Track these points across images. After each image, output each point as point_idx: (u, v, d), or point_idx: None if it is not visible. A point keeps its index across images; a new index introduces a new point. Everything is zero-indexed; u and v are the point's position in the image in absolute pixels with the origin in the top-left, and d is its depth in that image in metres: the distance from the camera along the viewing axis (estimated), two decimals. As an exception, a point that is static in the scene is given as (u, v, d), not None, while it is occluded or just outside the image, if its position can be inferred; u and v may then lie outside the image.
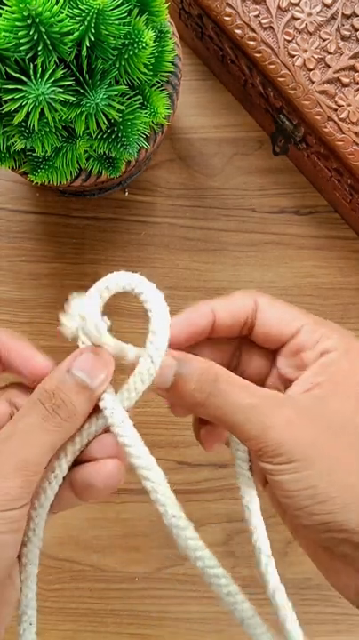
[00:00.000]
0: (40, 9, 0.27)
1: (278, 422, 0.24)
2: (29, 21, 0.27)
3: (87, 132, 0.34)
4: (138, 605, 0.50)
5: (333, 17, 0.41)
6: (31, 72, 0.30)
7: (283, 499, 0.24)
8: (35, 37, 0.28)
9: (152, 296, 0.27)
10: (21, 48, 0.29)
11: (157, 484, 0.26)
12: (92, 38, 0.29)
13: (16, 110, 0.30)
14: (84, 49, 0.30)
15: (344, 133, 0.41)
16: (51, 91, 0.30)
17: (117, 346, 0.27)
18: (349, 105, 0.41)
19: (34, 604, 0.27)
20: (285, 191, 0.51)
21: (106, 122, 0.33)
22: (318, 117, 0.41)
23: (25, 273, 0.50)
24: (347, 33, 0.41)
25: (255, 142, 0.51)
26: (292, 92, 0.41)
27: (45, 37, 0.28)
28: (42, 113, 0.30)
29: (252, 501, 0.29)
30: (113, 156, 0.37)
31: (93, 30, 0.29)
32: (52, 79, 0.30)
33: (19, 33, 0.28)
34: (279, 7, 0.41)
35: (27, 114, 0.30)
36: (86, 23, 0.29)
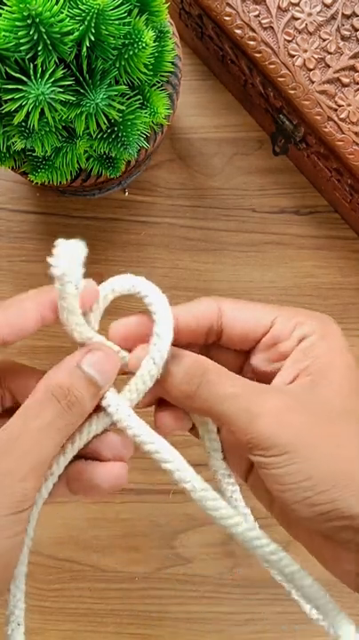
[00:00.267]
0: (40, 9, 0.27)
1: (267, 412, 0.24)
2: (29, 21, 0.27)
3: (87, 132, 0.34)
4: (138, 605, 0.50)
5: (333, 17, 0.41)
6: (31, 72, 0.30)
7: (279, 492, 0.24)
8: (35, 37, 0.28)
9: (157, 299, 0.27)
10: (21, 48, 0.29)
11: (177, 464, 0.26)
12: (92, 38, 0.29)
13: (16, 110, 0.30)
14: (84, 49, 0.30)
15: (344, 133, 0.41)
16: (51, 91, 0.30)
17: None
18: (349, 105, 0.41)
19: (22, 604, 0.27)
20: (285, 191, 0.51)
21: (106, 122, 0.33)
22: (318, 117, 0.41)
23: (25, 273, 0.50)
24: (347, 33, 0.41)
25: (255, 142, 0.51)
26: (292, 92, 0.41)
27: (45, 37, 0.28)
28: (42, 113, 0.30)
29: (236, 491, 0.28)
30: (113, 155, 0.37)
31: (93, 30, 0.29)
32: (52, 79, 0.30)
33: (19, 33, 0.28)
34: (279, 7, 0.41)
35: (28, 114, 0.30)
36: (86, 23, 0.29)
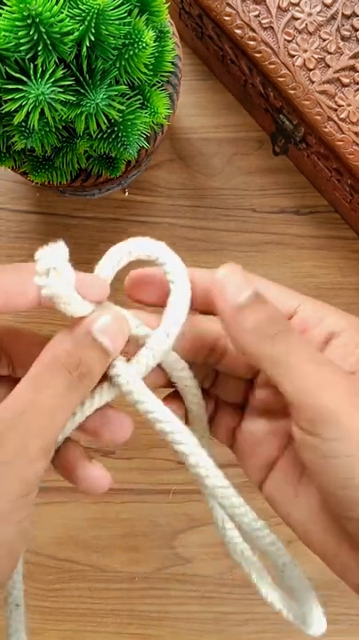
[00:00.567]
0: (40, 9, 0.27)
1: (343, 389, 0.21)
2: (29, 21, 0.27)
3: (87, 132, 0.34)
4: (138, 605, 0.50)
5: (333, 17, 0.41)
6: (31, 72, 0.30)
7: (328, 485, 0.21)
8: (35, 37, 0.28)
9: (176, 269, 0.24)
10: (21, 48, 0.29)
11: (192, 447, 0.23)
12: (92, 38, 0.29)
13: (16, 110, 0.30)
14: (84, 49, 0.30)
15: (344, 133, 0.41)
16: (51, 91, 0.30)
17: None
18: (349, 105, 0.41)
19: (20, 585, 0.25)
20: (285, 191, 0.51)
21: (106, 122, 0.33)
22: (318, 117, 0.41)
23: (25, 273, 0.50)
24: (347, 33, 0.41)
25: (255, 142, 0.51)
26: (292, 92, 0.41)
27: (45, 37, 0.28)
28: (42, 113, 0.30)
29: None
30: (113, 155, 0.37)
31: (93, 30, 0.29)
32: (52, 79, 0.30)
33: (20, 33, 0.28)
34: (279, 7, 0.41)
35: (27, 114, 0.30)
36: (86, 23, 0.29)
